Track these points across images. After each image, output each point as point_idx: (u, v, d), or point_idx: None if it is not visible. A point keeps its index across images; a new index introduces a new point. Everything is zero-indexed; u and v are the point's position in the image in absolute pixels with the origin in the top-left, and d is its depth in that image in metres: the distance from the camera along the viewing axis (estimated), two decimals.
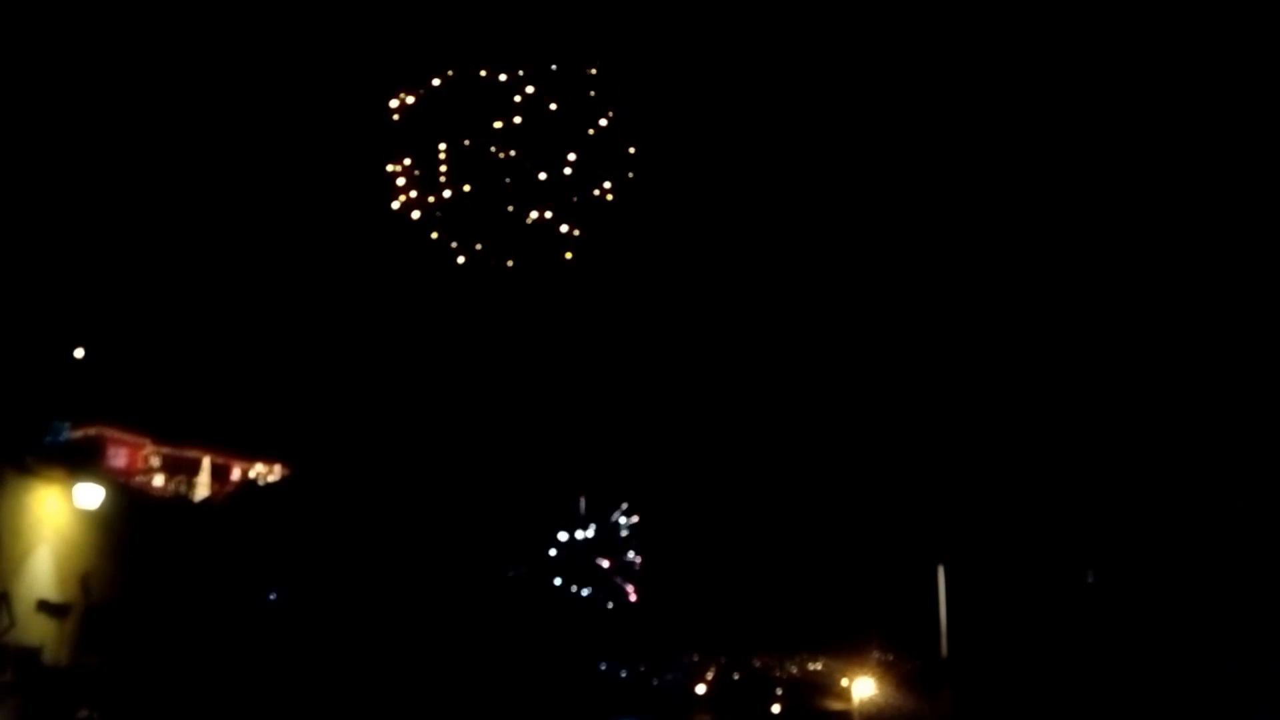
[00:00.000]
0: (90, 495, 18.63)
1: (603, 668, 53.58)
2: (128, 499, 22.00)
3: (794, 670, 59.91)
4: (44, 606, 18.25)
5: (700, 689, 55.76)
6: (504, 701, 35.58)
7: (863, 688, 38.38)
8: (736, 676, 58.50)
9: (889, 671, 41.92)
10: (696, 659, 58.97)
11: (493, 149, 32.75)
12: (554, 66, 32.57)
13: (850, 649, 50.00)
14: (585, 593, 57.18)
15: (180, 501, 29.05)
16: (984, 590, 31.43)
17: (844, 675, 49.18)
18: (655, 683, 56.32)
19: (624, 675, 55.74)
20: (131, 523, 20.83)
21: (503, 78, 32.13)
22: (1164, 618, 27.27)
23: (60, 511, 18.70)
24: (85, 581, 19.27)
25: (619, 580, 58.43)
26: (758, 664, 60.31)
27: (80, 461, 20.36)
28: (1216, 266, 31.71)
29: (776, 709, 50.97)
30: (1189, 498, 28.34)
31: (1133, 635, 27.58)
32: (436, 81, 33.21)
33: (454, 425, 44.29)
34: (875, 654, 46.69)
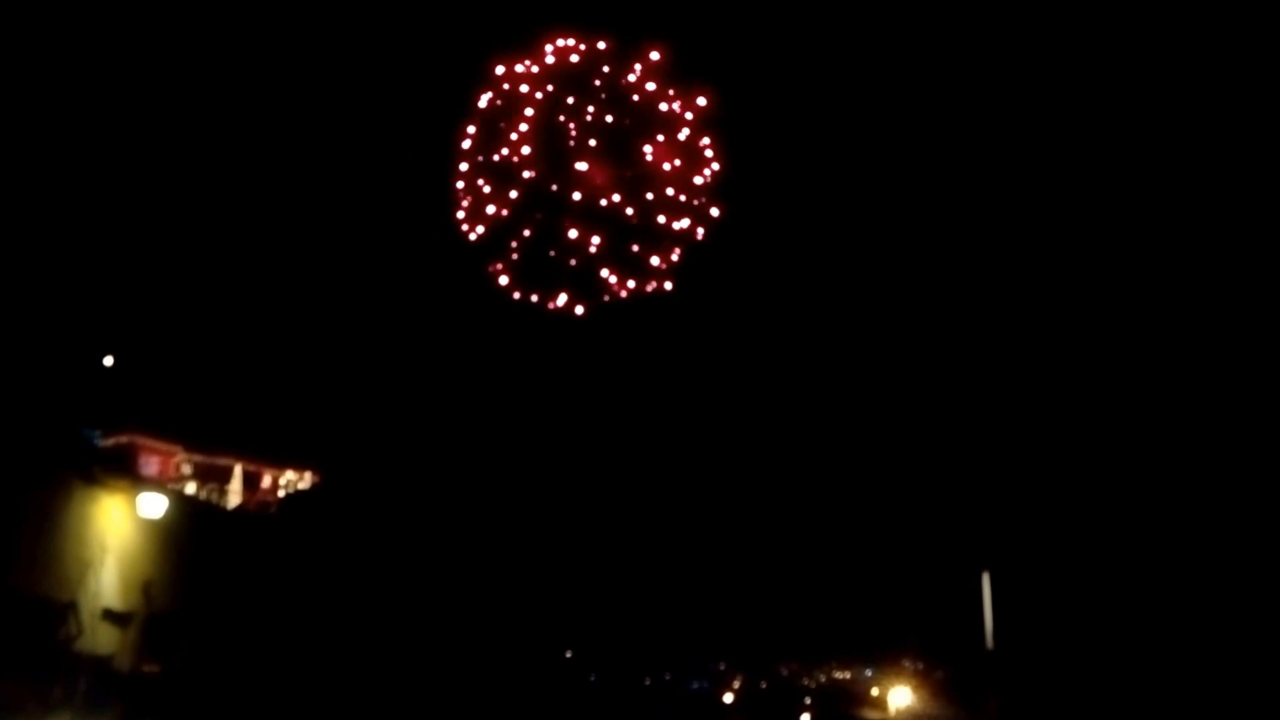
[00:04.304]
0: (154, 505, 18.62)
1: (629, 674, 53.44)
2: (187, 508, 22.01)
3: (822, 679, 59.66)
4: (108, 615, 18.24)
5: (728, 698, 55.49)
6: (531, 708, 35.62)
7: (899, 697, 38.02)
8: (764, 685, 58.26)
9: (925, 680, 41.54)
10: (723, 667, 58.72)
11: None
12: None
13: (881, 657, 49.69)
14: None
15: (240, 512, 29.05)
16: (1028, 597, 31.24)
17: (876, 684, 48.88)
18: (681, 691, 56.12)
19: (648, 683, 55.57)
20: (191, 532, 20.82)
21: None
22: (1221, 626, 27.03)
23: (123, 521, 18.69)
24: (147, 590, 19.25)
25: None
26: (785, 672, 60.06)
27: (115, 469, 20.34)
28: (1262, 268, 31.45)
29: (806, 718, 50.68)
30: (1246, 502, 28.16)
31: (1188, 645, 27.35)
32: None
33: (480, 433, 44.30)
34: (907, 663, 46.34)
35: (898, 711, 37.71)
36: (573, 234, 21.36)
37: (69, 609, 17.23)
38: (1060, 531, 33.30)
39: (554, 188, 21.27)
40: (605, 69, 21.69)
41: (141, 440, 28.00)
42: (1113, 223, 32.29)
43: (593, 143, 20.51)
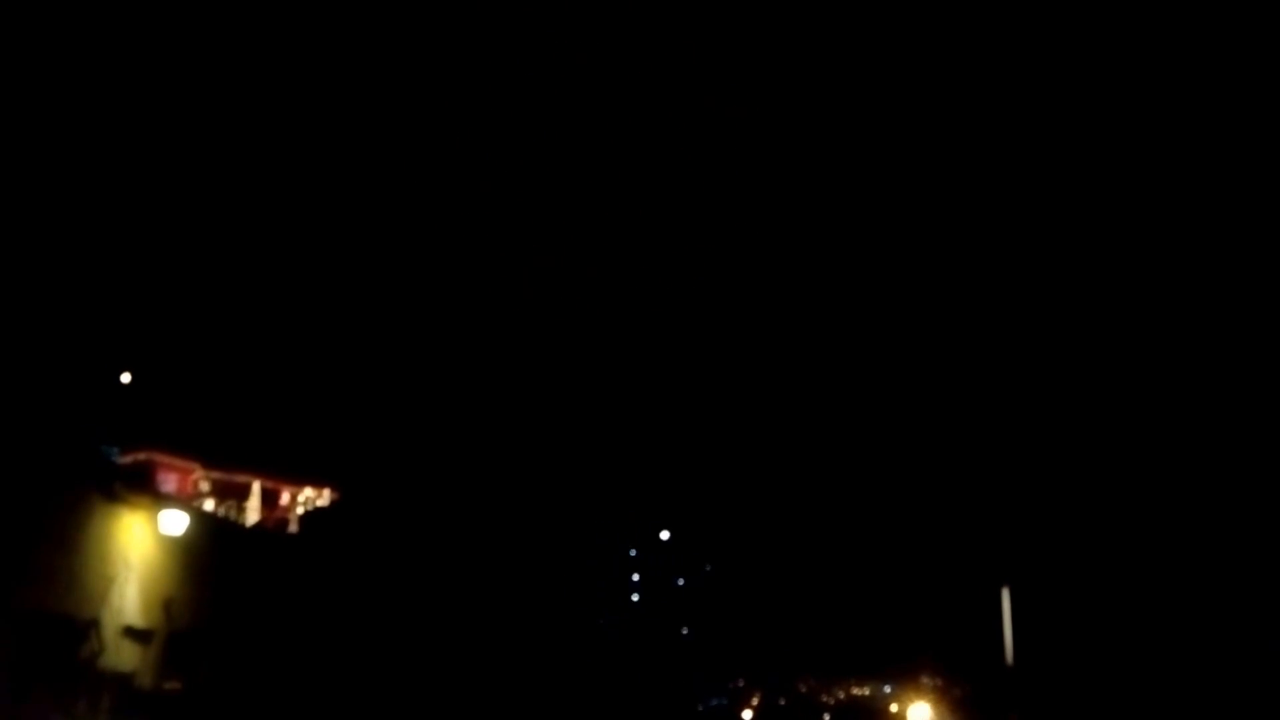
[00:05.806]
0: (175, 522, 18.71)
1: (647, 691, 53.31)
2: (208, 526, 22.13)
3: (841, 695, 59.40)
4: (130, 632, 18.30)
5: (747, 714, 55.33)
6: None
7: (918, 713, 37.85)
8: (782, 702, 58.07)
9: (944, 697, 41.29)
10: (742, 684, 58.59)
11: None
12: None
13: (900, 674, 49.44)
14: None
15: (259, 529, 29.15)
16: (1048, 613, 31.03)
17: (895, 700, 48.65)
18: (701, 708, 56.00)
19: (667, 699, 55.42)
20: (211, 549, 20.92)
21: None
22: (1241, 642, 26.77)
23: (145, 538, 18.77)
24: (167, 607, 19.33)
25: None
26: (803, 689, 59.85)
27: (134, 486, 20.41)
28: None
29: None
30: (1263, 517, 27.90)
31: (1208, 660, 27.08)
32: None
33: (497, 447, 44.42)
34: (926, 679, 46.08)
35: None
36: None
37: (91, 626, 17.26)
38: (1080, 547, 33.16)
39: None
40: None
41: (160, 457, 28.05)
42: (1137, 244, 32.25)
43: None
